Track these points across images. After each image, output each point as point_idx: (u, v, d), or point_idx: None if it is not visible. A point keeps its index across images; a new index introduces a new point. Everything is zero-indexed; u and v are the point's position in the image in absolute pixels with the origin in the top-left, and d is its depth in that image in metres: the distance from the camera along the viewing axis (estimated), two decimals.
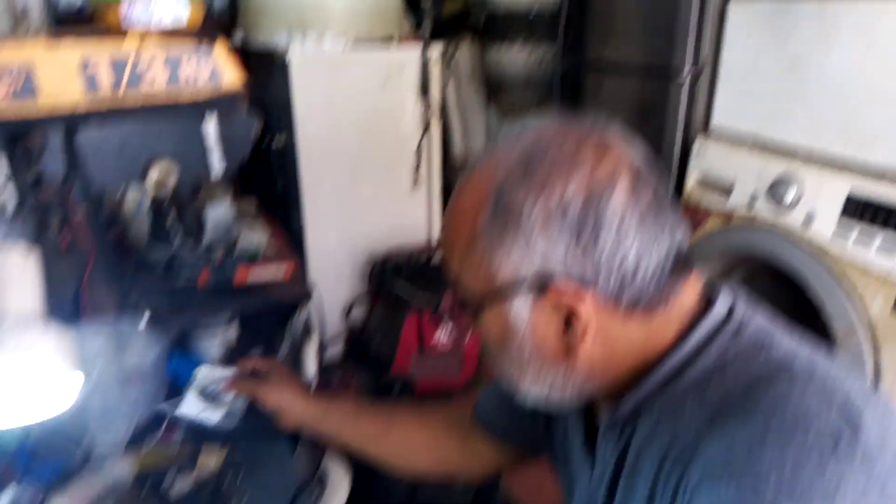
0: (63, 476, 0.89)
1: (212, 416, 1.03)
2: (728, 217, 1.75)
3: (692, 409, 0.58)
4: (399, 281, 2.25)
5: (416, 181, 2.37)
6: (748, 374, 0.57)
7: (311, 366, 1.46)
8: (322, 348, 2.06)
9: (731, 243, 1.74)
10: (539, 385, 0.65)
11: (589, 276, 0.57)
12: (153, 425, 1.05)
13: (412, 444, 1.02)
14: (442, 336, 2.26)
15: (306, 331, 1.46)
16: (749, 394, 0.55)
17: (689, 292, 0.63)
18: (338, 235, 2.31)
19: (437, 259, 2.36)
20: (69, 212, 0.92)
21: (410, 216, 2.41)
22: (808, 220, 1.53)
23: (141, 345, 0.95)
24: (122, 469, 0.90)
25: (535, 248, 0.57)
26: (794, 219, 1.57)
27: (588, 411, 0.76)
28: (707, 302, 0.64)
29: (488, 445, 0.97)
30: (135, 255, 1.18)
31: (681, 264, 0.61)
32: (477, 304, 0.63)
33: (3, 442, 0.88)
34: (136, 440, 1.02)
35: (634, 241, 0.57)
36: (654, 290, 0.59)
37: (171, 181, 0.94)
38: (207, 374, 1.00)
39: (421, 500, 1.81)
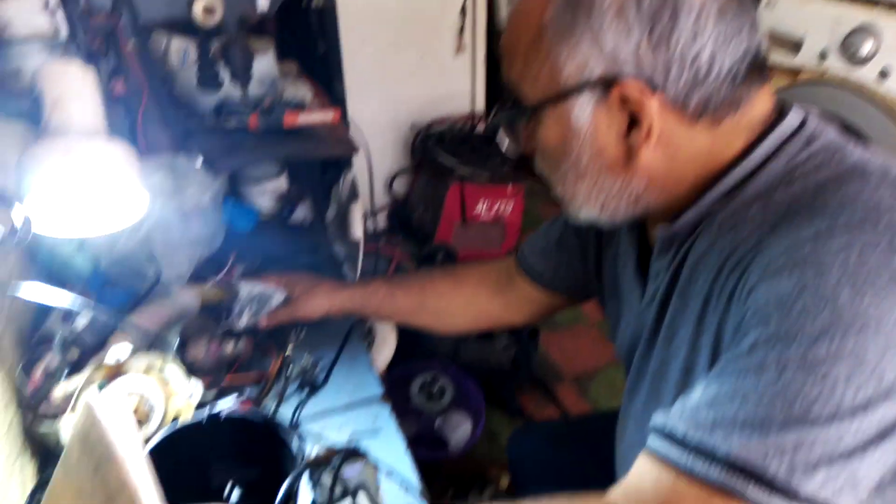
0: (133, 303, 0.95)
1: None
2: (794, 74, 1.65)
3: (755, 217, 0.56)
4: (442, 151, 2.22)
5: (459, 47, 2.27)
6: (818, 179, 0.55)
7: (357, 229, 1.48)
8: (373, 213, 2.10)
9: (796, 101, 1.65)
10: (595, 197, 0.63)
11: (658, 77, 0.54)
12: (213, 266, 1.09)
13: (450, 307, 1.04)
14: (484, 207, 2.26)
15: (352, 194, 1.47)
16: (818, 195, 0.53)
17: (760, 102, 0.60)
18: (379, 104, 2.27)
19: (480, 128, 2.32)
20: (120, 44, 0.91)
21: (454, 84, 2.34)
22: (884, 74, 1.43)
23: (198, 183, 0.97)
24: (188, 297, 0.94)
25: (605, 43, 0.54)
26: (867, 75, 1.47)
27: (642, 235, 0.75)
28: (779, 115, 0.61)
29: (530, 293, 0.97)
30: (184, 104, 1.18)
31: (756, 70, 0.57)
32: (536, 111, 0.61)
33: (78, 267, 0.93)
34: (198, 279, 1.07)
35: (710, 36, 0.53)
36: (725, 93, 0.56)
37: (217, 13, 0.91)
38: (248, 290, 1.01)
39: (464, 356, 1.90)
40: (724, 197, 0.60)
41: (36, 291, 0.54)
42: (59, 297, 0.54)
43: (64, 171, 0.61)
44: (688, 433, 0.50)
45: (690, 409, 0.51)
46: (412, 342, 1.81)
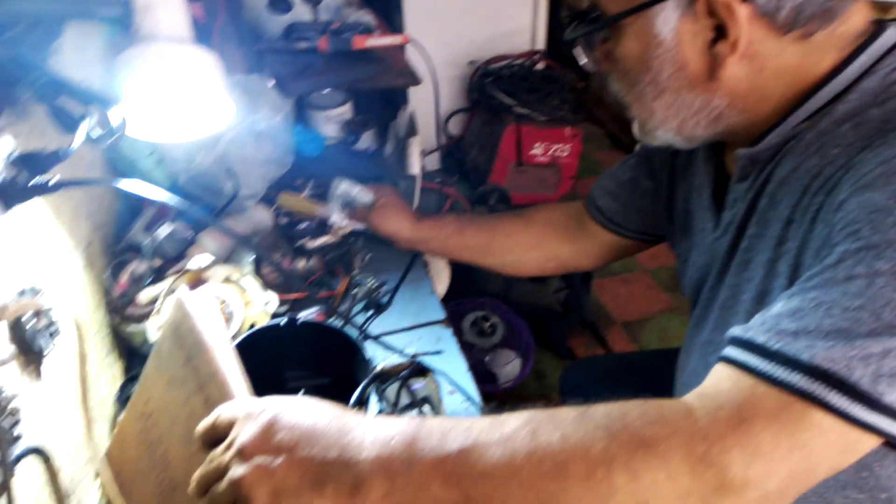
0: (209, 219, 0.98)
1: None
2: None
3: (845, 137, 0.54)
4: (499, 91, 2.19)
5: None
6: None
7: (415, 165, 1.49)
8: (439, 148, 2.09)
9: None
10: (674, 115, 0.61)
11: None
12: (283, 188, 1.12)
13: (518, 248, 1.03)
14: (540, 149, 2.22)
15: (410, 129, 1.47)
16: None
17: (856, 16, 0.56)
18: (438, 40, 2.22)
19: (541, 66, 2.26)
20: None
21: (514, 20, 2.27)
22: None
23: (270, 104, 0.98)
24: (262, 214, 0.97)
25: None
26: None
27: (719, 164, 0.73)
28: (875, 31, 0.57)
29: (601, 236, 0.96)
30: (251, 28, 1.19)
31: None
32: (617, 22, 0.59)
33: (157, 182, 0.96)
34: (268, 201, 1.09)
35: None
36: (818, 3, 0.53)
37: None
38: (345, 188, 1.04)
39: (514, 297, 1.91)
40: (812, 117, 0.57)
41: (134, 185, 0.56)
42: (156, 193, 0.56)
43: (157, 75, 0.63)
44: (768, 341, 0.48)
45: (771, 318, 0.50)
46: (464, 280, 1.82)
